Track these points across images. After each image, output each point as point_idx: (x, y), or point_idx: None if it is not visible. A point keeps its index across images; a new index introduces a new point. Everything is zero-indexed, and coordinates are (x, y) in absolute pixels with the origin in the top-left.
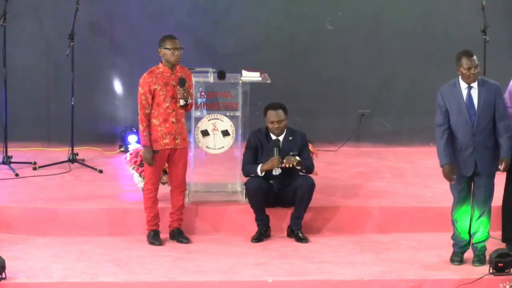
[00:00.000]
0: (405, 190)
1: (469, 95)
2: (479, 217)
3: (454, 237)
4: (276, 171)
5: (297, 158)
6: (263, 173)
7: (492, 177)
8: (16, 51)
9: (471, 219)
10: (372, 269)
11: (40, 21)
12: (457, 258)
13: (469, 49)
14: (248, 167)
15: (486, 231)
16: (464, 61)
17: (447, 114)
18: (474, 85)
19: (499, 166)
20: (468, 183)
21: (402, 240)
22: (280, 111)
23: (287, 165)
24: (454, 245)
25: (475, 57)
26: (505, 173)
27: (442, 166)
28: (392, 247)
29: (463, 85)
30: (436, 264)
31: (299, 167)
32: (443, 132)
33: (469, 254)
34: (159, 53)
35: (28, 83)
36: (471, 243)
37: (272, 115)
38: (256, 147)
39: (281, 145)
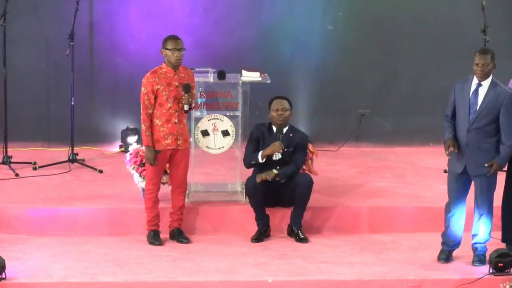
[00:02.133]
0: (405, 190)
1: (476, 91)
2: (479, 218)
3: (443, 235)
4: (277, 156)
5: (274, 171)
6: (264, 160)
7: (489, 178)
8: (16, 51)
9: (474, 221)
10: (372, 269)
11: (40, 21)
12: (444, 256)
13: (488, 48)
14: (249, 157)
15: (487, 233)
16: (475, 57)
17: (455, 108)
18: (485, 83)
19: (486, 165)
20: (463, 183)
21: (402, 240)
22: (285, 101)
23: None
24: (443, 243)
25: (488, 55)
26: (505, 173)
27: (445, 140)
28: (392, 247)
29: (474, 81)
30: (436, 264)
31: (277, 178)
32: (447, 121)
33: (468, 253)
34: (162, 54)
35: (28, 83)
36: (464, 243)
37: (277, 103)
38: (258, 139)
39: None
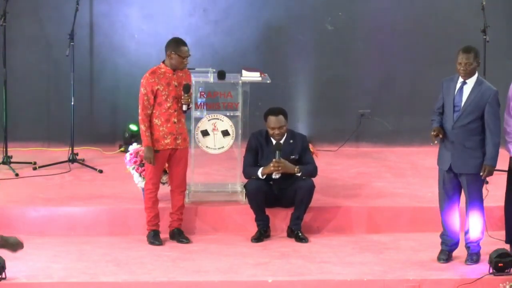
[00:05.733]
0: (405, 190)
1: (461, 90)
2: (470, 217)
3: (442, 235)
4: (276, 175)
5: (296, 168)
6: (264, 176)
7: (473, 177)
8: (16, 51)
9: (466, 220)
10: (372, 269)
11: (40, 21)
12: (444, 256)
13: (472, 46)
14: (249, 170)
15: (478, 231)
16: (458, 56)
17: (442, 104)
18: (470, 81)
19: (481, 173)
20: (453, 181)
21: (402, 240)
22: (281, 117)
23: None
24: (442, 243)
25: (471, 54)
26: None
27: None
28: (392, 247)
29: (459, 80)
30: (436, 264)
31: (299, 174)
32: (435, 113)
33: (463, 253)
34: (168, 55)
35: (28, 83)
36: (463, 243)
37: (273, 121)
38: (256, 149)
39: (281, 148)
